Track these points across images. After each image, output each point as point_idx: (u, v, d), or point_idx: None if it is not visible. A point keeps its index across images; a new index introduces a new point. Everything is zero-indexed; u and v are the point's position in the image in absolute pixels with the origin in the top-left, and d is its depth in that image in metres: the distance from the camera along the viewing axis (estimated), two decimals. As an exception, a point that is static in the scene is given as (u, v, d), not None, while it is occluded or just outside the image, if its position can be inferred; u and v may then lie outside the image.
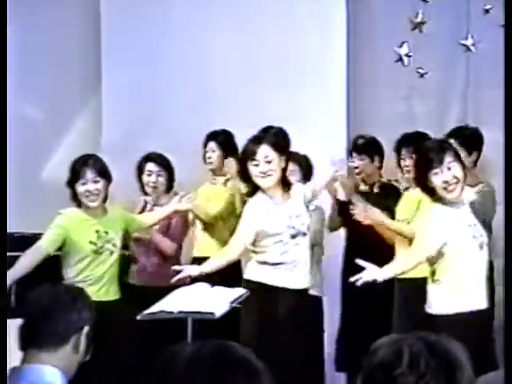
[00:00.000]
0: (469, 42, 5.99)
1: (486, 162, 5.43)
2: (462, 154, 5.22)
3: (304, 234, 4.80)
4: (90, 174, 4.97)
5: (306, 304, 4.97)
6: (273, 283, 4.90)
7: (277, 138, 5.13)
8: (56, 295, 2.84)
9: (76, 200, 5.03)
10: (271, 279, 4.92)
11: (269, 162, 4.68)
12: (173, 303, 5.09)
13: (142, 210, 5.67)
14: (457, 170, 4.33)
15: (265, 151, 4.71)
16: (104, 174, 5.01)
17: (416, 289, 4.71)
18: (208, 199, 5.72)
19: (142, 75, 6.42)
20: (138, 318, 4.87)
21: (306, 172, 5.42)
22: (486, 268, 4.41)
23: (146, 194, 5.63)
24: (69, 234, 4.99)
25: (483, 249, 4.38)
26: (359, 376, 1.92)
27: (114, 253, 5.08)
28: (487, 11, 5.96)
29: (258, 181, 4.72)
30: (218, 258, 4.97)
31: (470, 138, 5.34)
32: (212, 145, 5.77)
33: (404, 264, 4.50)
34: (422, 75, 6.05)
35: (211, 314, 4.97)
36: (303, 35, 6.09)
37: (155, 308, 4.97)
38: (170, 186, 5.57)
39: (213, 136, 5.78)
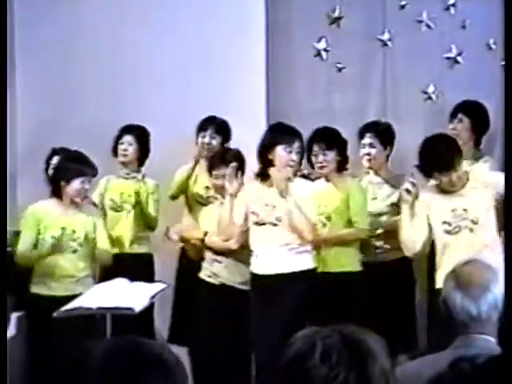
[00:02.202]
0: (385, 37, 6.12)
1: (401, 155, 5.60)
2: (378, 147, 5.47)
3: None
4: (89, 172, 5.28)
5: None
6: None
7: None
8: None
9: (58, 194, 5.28)
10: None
11: None
12: (91, 299, 5.10)
13: None
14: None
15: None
16: None
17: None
18: (122, 193, 5.78)
19: (56, 71, 6.46)
20: (54, 315, 4.87)
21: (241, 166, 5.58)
22: None
23: None
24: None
25: None
26: (283, 367, 1.93)
27: (77, 251, 5.37)
28: (403, 7, 6.12)
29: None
30: None
31: (384, 133, 5.59)
32: (128, 138, 5.78)
33: None
34: (339, 70, 6.14)
35: (130, 309, 4.97)
36: (222, 33, 6.17)
37: (73, 304, 4.97)
38: None
39: (129, 129, 5.81)
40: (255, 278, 5.03)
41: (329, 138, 5.24)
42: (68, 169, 5.33)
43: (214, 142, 5.64)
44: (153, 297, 5.27)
